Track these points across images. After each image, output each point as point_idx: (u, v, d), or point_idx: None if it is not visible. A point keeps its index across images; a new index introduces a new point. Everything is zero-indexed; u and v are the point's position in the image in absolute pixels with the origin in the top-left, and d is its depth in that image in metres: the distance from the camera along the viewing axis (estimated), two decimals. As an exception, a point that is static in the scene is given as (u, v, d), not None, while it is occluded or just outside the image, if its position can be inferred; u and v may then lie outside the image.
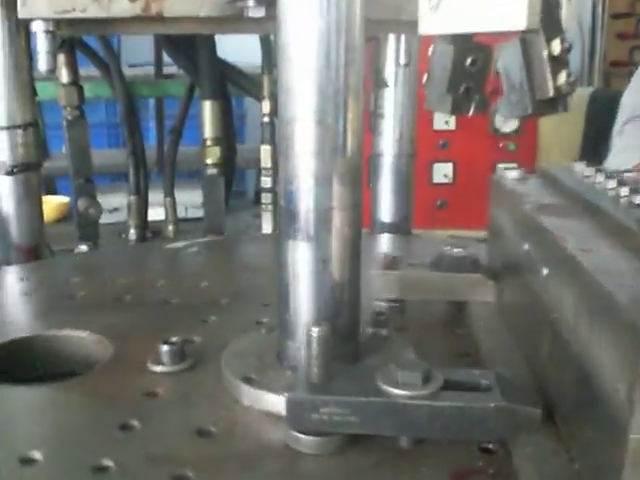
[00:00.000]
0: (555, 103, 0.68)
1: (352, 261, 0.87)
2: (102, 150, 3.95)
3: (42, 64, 1.11)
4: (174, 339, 0.91)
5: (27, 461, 0.70)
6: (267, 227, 1.81)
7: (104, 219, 3.26)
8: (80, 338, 1.00)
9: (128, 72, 3.39)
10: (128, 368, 0.91)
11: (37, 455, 0.71)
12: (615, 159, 1.89)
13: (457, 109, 0.71)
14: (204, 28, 1.19)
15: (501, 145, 3.18)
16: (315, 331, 0.73)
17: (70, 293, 1.18)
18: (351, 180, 0.84)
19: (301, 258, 0.85)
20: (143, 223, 1.94)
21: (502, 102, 0.69)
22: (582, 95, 3.79)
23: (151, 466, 0.70)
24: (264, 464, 0.71)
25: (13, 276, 1.33)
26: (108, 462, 0.70)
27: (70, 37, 1.75)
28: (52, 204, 3.19)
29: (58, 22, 1.15)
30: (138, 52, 3.77)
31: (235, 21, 1.16)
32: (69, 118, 1.76)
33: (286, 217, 0.85)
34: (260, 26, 1.21)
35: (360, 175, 0.86)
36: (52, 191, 3.61)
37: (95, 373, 0.92)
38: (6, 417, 0.81)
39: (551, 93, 0.66)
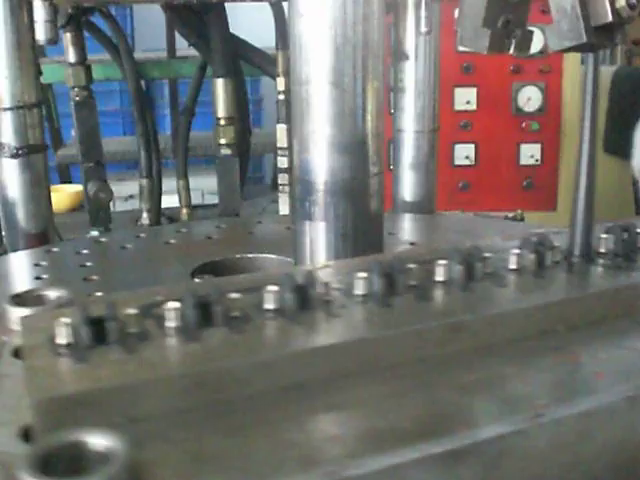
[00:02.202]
0: (613, 32, 0.59)
1: (374, 236, 0.80)
2: (117, 137, 3.90)
3: (40, 33, 1.05)
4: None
5: None
6: (284, 209, 1.74)
7: (120, 206, 3.23)
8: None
9: (141, 56, 3.34)
10: None
11: None
12: None
13: (496, 46, 0.62)
14: (212, -6, 1.12)
15: (524, 125, 3.09)
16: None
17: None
18: (372, 147, 0.77)
19: (319, 233, 0.78)
20: (157, 208, 1.87)
21: (551, 30, 0.61)
22: (605, 74, 3.70)
23: None
24: None
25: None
26: None
27: (76, 15, 1.69)
28: (66, 192, 3.13)
29: (57, -10, 1.08)
30: (151, 37, 3.70)
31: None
32: (77, 99, 1.70)
33: (301, 189, 0.78)
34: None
35: (381, 141, 0.79)
36: (66, 179, 3.55)
37: None
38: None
39: (610, 17, 0.57)
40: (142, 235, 1.33)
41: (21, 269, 1.22)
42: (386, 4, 1.49)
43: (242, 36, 1.84)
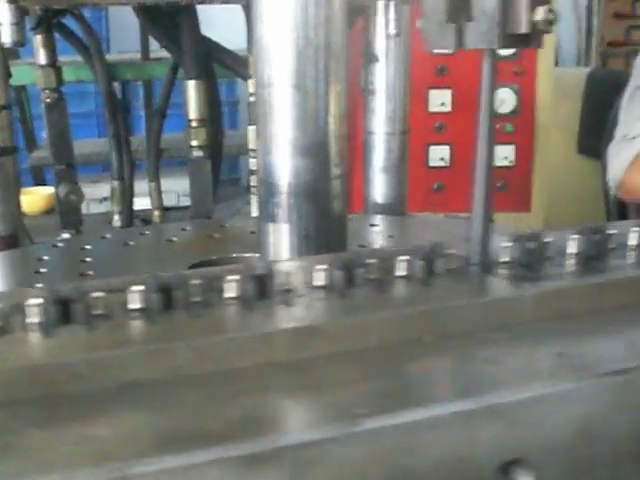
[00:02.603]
0: (528, 39, 0.60)
1: (337, 237, 0.80)
2: (92, 139, 3.88)
3: (6, 36, 1.04)
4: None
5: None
6: (256, 210, 1.74)
7: (94, 209, 3.21)
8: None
9: (115, 58, 3.33)
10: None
11: None
12: (628, 126, 1.80)
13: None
14: (180, -4, 1.12)
15: (498, 126, 3.11)
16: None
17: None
18: (335, 149, 0.77)
19: (282, 234, 0.79)
20: (128, 210, 1.87)
21: (470, 28, 0.60)
22: (579, 75, 3.73)
23: None
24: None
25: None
26: None
27: (46, 17, 1.68)
28: (40, 195, 3.11)
29: (24, -8, 1.08)
30: (127, 39, 3.69)
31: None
32: (48, 101, 1.69)
33: (265, 191, 0.79)
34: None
35: (345, 143, 0.79)
36: (40, 181, 3.53)
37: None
38: None
39: (524, 29, 0.58)
40: (107, 236, 1.33)
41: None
42: (356, 7, 1.50)
43: (215, 38, 1.83)
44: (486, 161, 0.65)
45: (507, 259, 0.64)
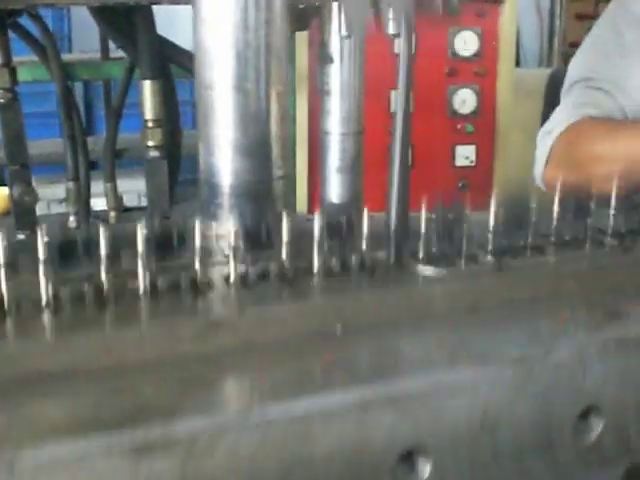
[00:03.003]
0: None
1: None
2: (52, 140, 3.85)
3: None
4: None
5: None
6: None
7: (54, 209, 3.19)
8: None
9: (75, 57, 3.31)
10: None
11: None
12: (559, 116, 1.83)
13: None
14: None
15: (459, 127, 3.14)
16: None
17: None
18: (276, 150, 0.78)
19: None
20: (85, 211, 1.86)
21: None
22: (541, 76, 3.75)
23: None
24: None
25: None
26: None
27: (2, 18, 1.67)
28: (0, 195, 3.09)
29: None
30: (89, 38, 3.67)
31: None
32: (2, 101, 1.68)
33: (207, 191, 0.79)
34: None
35: (287, 144, 0.80)
36: (1, 182, 3.50)
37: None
38: None
39: None
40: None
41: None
42: (312, 8, 1.50)
43: (178, 39, 1.83)
44: (400, 156, 0.66)
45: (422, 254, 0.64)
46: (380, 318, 0.54)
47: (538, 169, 1.81)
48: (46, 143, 3.40)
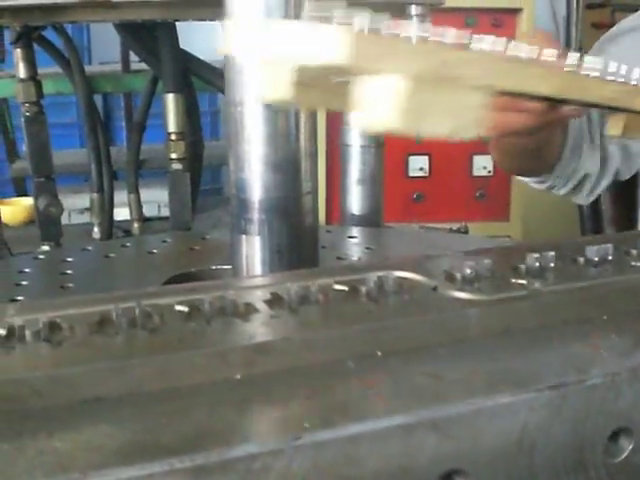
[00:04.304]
0: None
1: (309, 252, 0.83)
2: (73, 150, 3.88)
3: (-14, 54, 1.06)
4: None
5: None
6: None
7: (75, 219, 3.21)
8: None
9: (96, 69, 3.33)
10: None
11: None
12: None
13: None
14: (156, 13, 1.15)
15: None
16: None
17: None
18: (305, 165, 0.80)
19: (254, 249, 0.81)
20: (108, 222, 1.88)
21: None
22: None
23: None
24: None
25: None
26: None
27: (27, 32, 1.70)
28: (21, 205, 3.11)
29: (3, 11, 1.09)
30: (109, 49, 3.70)
31: (188, 6, 1.11)
32: (27, 115, 1.70)
33: (237, 206, 0.81)
34: (214, 11, 1.16)
35: (315, 160, 0.82)
36: (22, 192, 3.54)
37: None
38: None
39: None
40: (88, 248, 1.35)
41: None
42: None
43: (193, 49, 1.85)
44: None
45: (460, 277, 0.66)
46: (418, 342, 0.56)
47: None
48: (66, 153, 3.44)
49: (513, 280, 0.64)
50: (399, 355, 0.55)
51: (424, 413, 0.47)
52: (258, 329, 0.57)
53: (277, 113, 0.76)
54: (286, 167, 0.78)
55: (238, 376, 0.53)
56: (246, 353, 0.53)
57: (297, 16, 0.75)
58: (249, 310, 0.59)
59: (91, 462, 0.43)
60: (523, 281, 0.63)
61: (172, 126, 1.71)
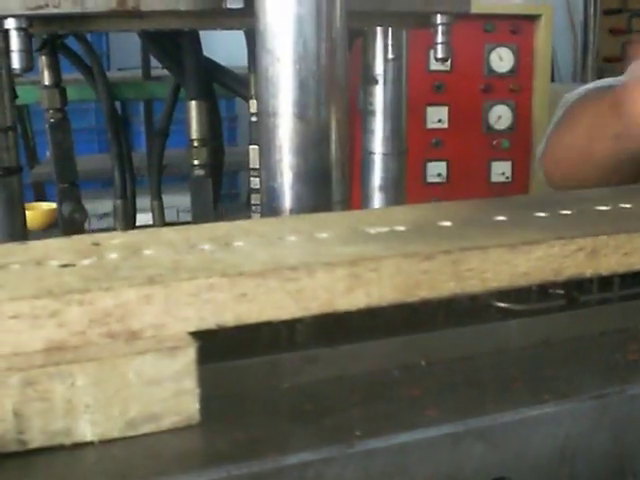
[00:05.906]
0: None
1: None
2: (92, 155, 3.91)
3: (16, 63, 1.07)
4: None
5: None
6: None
7: (95, 224, 3.23)
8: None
9: (116, 75, 3.36)
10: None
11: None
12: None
13: None
14: (183, 23, 1.15)
15: (495, 142, 3.14)
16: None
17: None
18: (335, 176, 0.80)
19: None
20: (131, 227, 1.89)
21: None
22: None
23: None
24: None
25: None
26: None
27: (51, 39, 1.71)
28: (41, 210, 3.15)
29: (31, 19, 1.10)
30: (127, 55, 3.73)
31: (215, 15, 1.12)
32: (52, 121, 1.72)
33: (269, 216, 0.82)
34: (241, 21, 1.17)
35: (346, 170, 0.83)
36: (41, 197, 3.57)
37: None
38: None
39: None
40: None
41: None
42: (356, 30, 1.53)
43: (215, 54, 1.86)
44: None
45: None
46: (461, 352, 0.57)
47: (538, 151, 1.65)
48: (85, 159, 3.46)
49: (551, 290, 0.64)
50: (442, 364, 0.56)
51: (471, 423, 0.48)
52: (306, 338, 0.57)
53: (309, 124, 0.77)
54: (317, 177, 0.79)
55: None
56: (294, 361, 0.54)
57: (329, 26, 0.76)
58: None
59: (149, 470, 0.43)
60: (561, 291, 0.64)
61: (195, 133, 1.72)
